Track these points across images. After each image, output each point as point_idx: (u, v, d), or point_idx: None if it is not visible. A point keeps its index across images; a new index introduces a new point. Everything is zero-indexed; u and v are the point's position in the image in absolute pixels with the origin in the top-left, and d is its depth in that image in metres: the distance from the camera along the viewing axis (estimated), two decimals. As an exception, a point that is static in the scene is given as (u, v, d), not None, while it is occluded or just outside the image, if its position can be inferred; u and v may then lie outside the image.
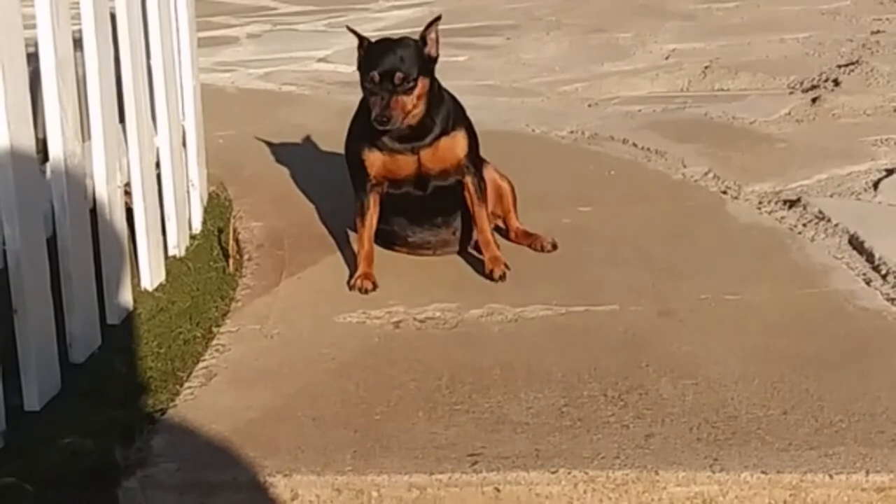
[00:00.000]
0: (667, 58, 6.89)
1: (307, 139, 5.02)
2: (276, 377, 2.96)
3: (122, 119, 3.54)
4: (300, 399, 2.83)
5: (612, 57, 6.99)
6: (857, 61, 6.30)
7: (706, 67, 6.43)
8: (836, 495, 2.43)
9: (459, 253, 3.74)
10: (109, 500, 2.48)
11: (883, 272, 3.47)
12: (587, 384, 2.86)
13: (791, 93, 5.91)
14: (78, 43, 3.18)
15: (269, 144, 5.05)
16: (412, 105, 3.40)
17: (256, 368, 3.02)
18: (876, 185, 4.31)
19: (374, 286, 3.48)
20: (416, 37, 3.49)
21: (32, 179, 2.86)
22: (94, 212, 3.31)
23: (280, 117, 5.72)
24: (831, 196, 4.24)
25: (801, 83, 6.03)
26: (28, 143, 2.81)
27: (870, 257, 3.58)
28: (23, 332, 2.84)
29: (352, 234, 3.83)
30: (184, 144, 4.10)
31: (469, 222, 3.66)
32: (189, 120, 4.19)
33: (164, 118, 3.85)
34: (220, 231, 4.03)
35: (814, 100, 5.63)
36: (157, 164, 3.83)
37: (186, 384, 2.94)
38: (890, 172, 4.42)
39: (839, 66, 6.26)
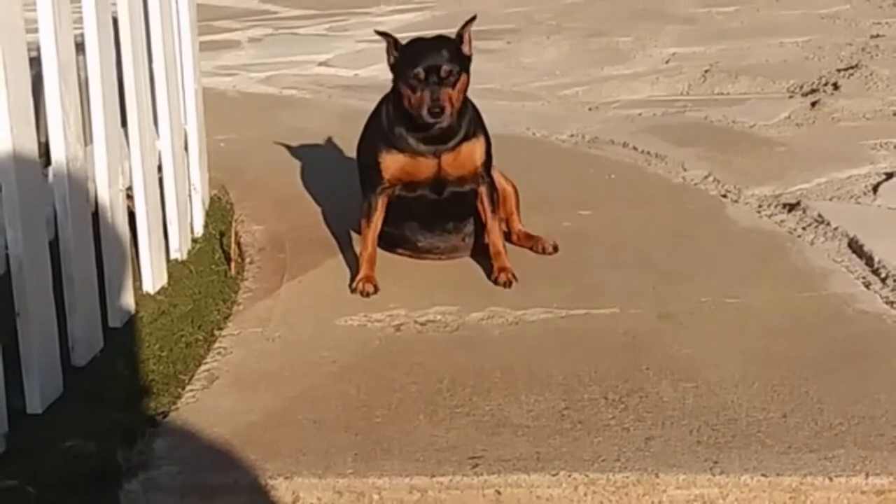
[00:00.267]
0: (667, 62, 6.90)
1: (308, 143, 5.02)
2: (278, 380, 2.97)
3: (124, 123, 3.54)
4: (301, 402, 2.84)
5: (612, 61, 7.00)
6: (856, 65, 6.31)
7: (706, 71, 6.44)
8: (835, 498, 2.44)
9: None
10: (111, 503, 2.49)
11: (882, 275, 3.48)
12: (588, 387, 2.86)
13: (791, 97, 5.91)
14: (80, 47, 3.19)
15: (271, 148, 5.06)
16: (456, 99, 3.41)
17: (258, 371, 3.03)
18: (875, 188, 4.32)
19: (376, 289, 3.48)
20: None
21: (35, 183, 2.87)
22: (96, 215, 3.31)
23: (281, 121, 5.73)
24: (831, 199, 4.25)
25: (801, 87, 6.04)
26: (30, 146, 2.82)
27: (869, 261, 3.59)
28: (25, 334, 2.85)
29: (354, 237, 3.84)
30: (185, 148, 4.11)
31: (479, 229, 3.67)
32: (191, 123, 4.19)
33: (165, 122, 3.86)
34: (222, 234, 4.04)
35: (813, 104, 5.64)
36: (159, 168, 3.84)
37: (188, 387, 2.94)
38: (889, 176, 4.43)
39: (839, 70, 6.27)
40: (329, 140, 5.05)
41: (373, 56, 7.42)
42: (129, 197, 3.60)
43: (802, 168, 4.61)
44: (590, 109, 5.90)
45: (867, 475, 2.44)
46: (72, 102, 3.07)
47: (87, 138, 3.30)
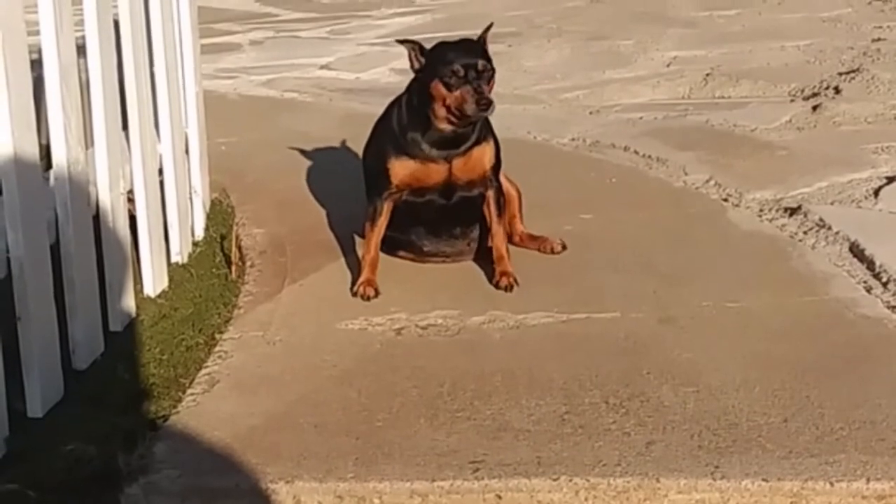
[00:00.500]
0: (668, 65, 6.89)
1: (309, 146, 5.02)
2: (278, 384, 2.97)
3: (125, 126, 3.54)
4: (302, 406, 2.84)
5: (613, 64, 6.99)
6: (857, 69, 6.31)
7: (707, 75, 6.43)
8: (836, 503, 2.43)
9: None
10: (111, 507, 2.50)
11: (884, 280, 3.48)
12: (588, 391, 2.86)
13: (792, 100, 5.91)
14: (81, 49, 3.19)
15: (272, 151, 5.06)
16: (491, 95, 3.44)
17: (258, 375, 3.03)
18: (876, 192, 4.32)
19: (377, 293, 3.49)
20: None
21: (36, 186, 2.87)
22: (97, 218, 3.31)
23: (282, 124, 5.72)
24: (832, 204, 4.24)
25: (802, 91, 6.03)
26: (32, 149, 2.82)
27: (870, 265, 3.58)
28: (26, 338, 2.85)
29: (356, 241, 3.84)
30: (186, 151, 4.11)
31: (483, 232, 3.67)
32: (192, 127, 4.19)
33: (166, 125, 3.86)
34: (223, 238, 4.03)
35: (815, 107, 5.63)
36: (160, 171, 3.84)
37: (189, 391, 2.94)
38: (890, 180, 4.43)
39: (840, 74, 6.27)
40: (330, 143, 5.04)
41: (374, 59, 7.44)
42: (130, 200, 3.60)
43: (804, 172, 4.61)
44: (591, 113, 5.90)
45: (868, 480, 2.44)
46: (73, 105, 3.07)
47: (89, 141, 3.30)
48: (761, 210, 4.21)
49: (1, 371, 2.70)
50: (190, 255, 3.96)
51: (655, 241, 3.90)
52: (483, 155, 3.55)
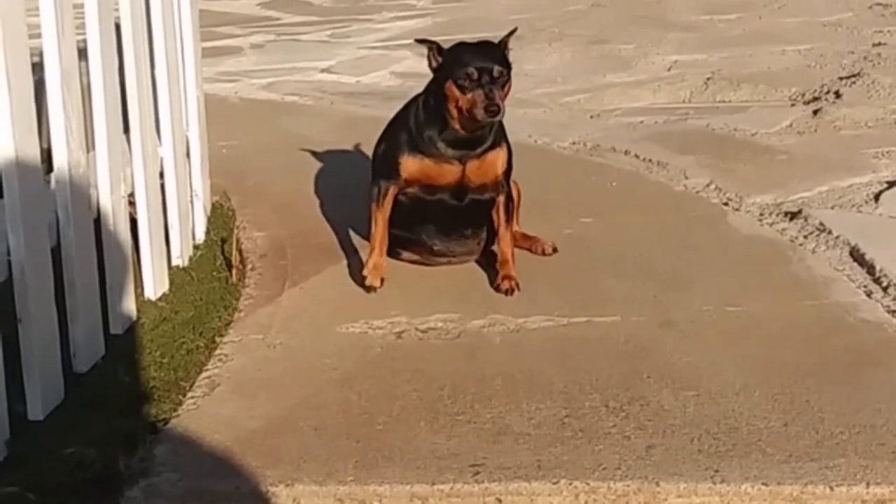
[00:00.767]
0: (669, 69, 6.90)
1: (310, 149, 5.02)
2: (279, 387, 2.97)
3: (126, 129, 3.55)
4: (302, 409, 2.84)
5: (614, 68, 7.00)
6: (858, 73, 6.31)
7: (708, 79, 6.44)
8: (836, 507, 2.44)
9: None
10: (112, 509, 2.50)
11: (884, 284, 3.48)
12: (588, 395, 2.86)
13: (793, 105, 5.92)
14: (83, 53, 3.19)
15: (273, 154, 5.06)
16: (505, 101, 3.43)
17: (259, 378, 3.03)
18: (877, 197, 4.32)
19: (382, 283, 3.50)
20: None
21: (37, 189, 2.87)
22: (98, 221, 3.31)
23: (283, 127, 5.73)
24: (832, 208, 4.25)
25: (803, 95, 6.04)
26: (33, 152, 2.82)
27: (871, 269, 3.59)
28: (26, 341, 2.85)
29: (357, 244, 3.85)
30: (187, 154, 4.11)
31: (490, 235, 3.68)
32: (193, 130, 4.20)
33: (167, 128, 3.86)
34: (224, 241, 4.04)
35: (815, 112, 5.64)
36: (161, 174, 3.84)
37: (189, 394, 2.94)
38: (891, 185, 4.43)
39: (841, 79, 6.27)
40: (331, 147, 5.05)
41: (375, 63, 7.45)
42: (131, 203, 3.60)
43: (804, 176, 4.61)
44: (591, 117, 5.90)
45: (868, 484, 2.44)
46: (74, 108, 3.07)
47: (90, 144, 3.30)
48: (762, 214, 4.21)
49: (1, 373, 2.70)
50: (190, 259, 3.96)
51: (656, 245, 3.90)
52: (497, 159, 3.55)
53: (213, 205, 4.41)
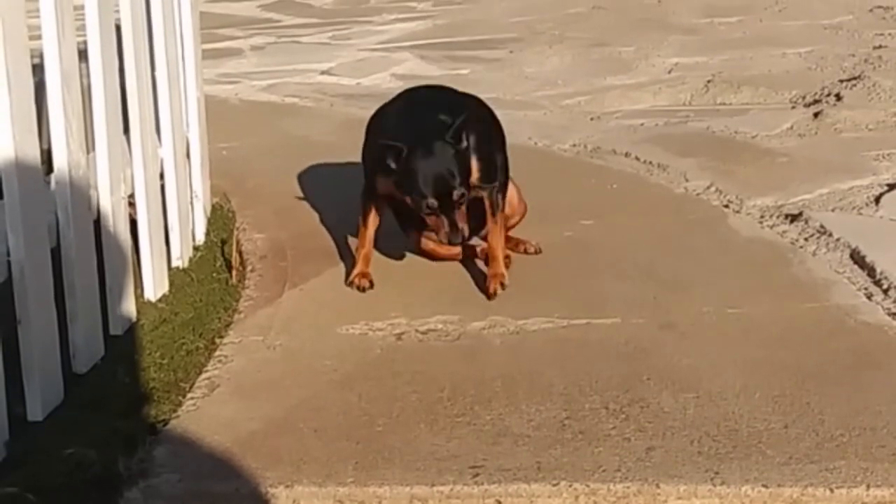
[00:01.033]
0: (669, 72, 6.90)
1: (310, 151, 5.03)
2: (279, 388, 2.97)
3: (126, 130, 3.55)
4: (302, 410, 2.84)
5: (614, 70, 7.00)
6: (859, 76, 6.31)
7: (708, 81, 6.44)
8: (836, 509, 2.43)
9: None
10: (111, 511, 2.49)
11: (884, 287, 3.47)
12: (588, 397, 2.86)
13: (793, 107, 5.91)
14: (83, 54, 3.19)
15: (273, 156, 5.06)
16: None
17: (259, 379, 3.03)
18: (877, 199, 4.32)
19: (371, 284, 3.59)
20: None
21: (37, 190, 2.87)
22: (97, 223, 3.31)
23: (283, 129, 5.73)
24: (833, 210, 4.24)
25: (804, 98, 6.04)
26: (33, 153, 2.82)
27: (871, 272, 3.58)
28: (26, 342, 2.85)
29: (355, 245, 3.84)
30: (187, 156, 4.11)
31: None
32: (193, 131, 4.20)
33: (168, 129, 3.87)
34: (224, 242, 4.04)
35: (816, 114, 5.64)
36: (161, 176, 3.84)
37: (189, 395, 2.94)
38: (892, 187, 4.43)
39: (841, 81, 6.27)
40: (331, 148, 5.05)
41: (375, 65, 7.45)
42: (131, 204, 3.60)
43: (804, 179, 4.61)
44: (592, 119, 5.90)
45: (868, 486, 2.44)
46: (74, 110, 3.07)
47: (90, 145, 3.30)
48: (762, 216, 4.21)
49: (1, 374, 2.70)
50: (190, 260, 3.96)
51: (656, 248, 3.90)
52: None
53: (213, 206, 4.41)
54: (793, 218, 4.14)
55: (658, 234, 4.04)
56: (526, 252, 3.81)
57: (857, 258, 3.70)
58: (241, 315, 3.45)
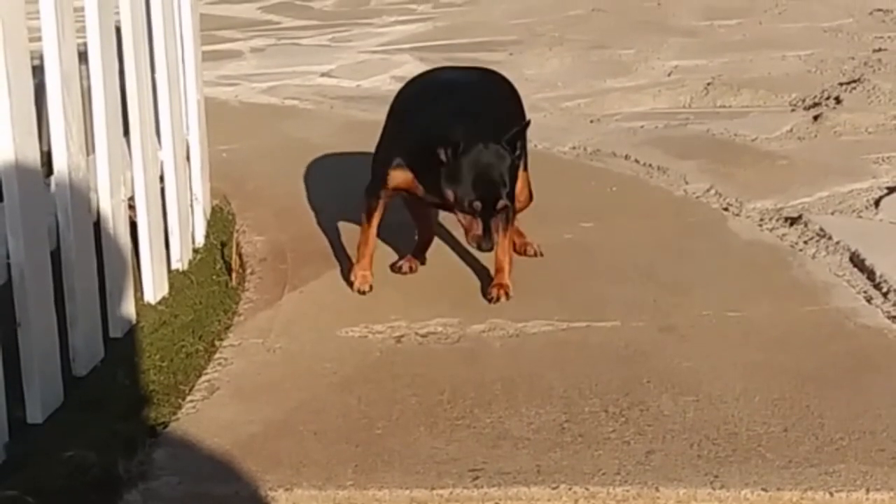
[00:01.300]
0: (669, 74, 6.90)
1: (310, 153, 5.02)
2: (278, 391, 2.97)
3: (126, 132, 3.55)
4: (302, 413, 2.84)
5: (614, 73, 7.00)
6: (858, 79, 6.31)
7: (708, 84, 6.44)
8: (836, 513, 2.43)
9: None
10: (111, 513, 2.49)
11: (884, 290, 3.48)
12: (588, 400, 2.86)
13: (793, 110, 5.92)
14: (83, 56, 3.19)
15: (273, 158, 5.06)
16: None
17: (258, 382, 3.03)
18: (877, 202, 4.32)
19: (371, 288, 3.56)
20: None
21: (37, 192, 2.87)
22: (97, 225, 3.31)
23: (283, 131, 5.73)
24: (833, 213, 4.25)
25: (803, 100, 6.04)
26: (33, 156, 2.82)
27: (871, 275, 3.58)
28: (26, 344, 2.84)
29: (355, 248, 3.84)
30: (187, 158, 4.11)
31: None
32: (193, 134, 4.20)
33: (167, 132, 3.86)
34: (223, 245, 4.04)
35: (816, 117, 5.64)
36: (161, 178, 3.84)
37: (188, 397, 2.94)
38: (891, 190, 4.43)
39: (841, 84, 6.27)
40: (331, 151, 5.05)
41: (375, 67, 7.45)
42: (131, 207, 3.60)
43: (804, 182, 4.61)
44: (592, 121, 5.91)
45: (868, 490, 2.44)
46: (74, 112, 3.07)
47: (90, 148, 3.30)
48: (762, 219, 4.21)
49: (1, 377, 2.70)
50: (190, 262, 3.96)
51: (656, 250, 3.90)
52: None
53: (213, 208, 4.41)
54: (792, 221, 4.14)
55: (658, 237, 4.04)
56: (526, 254, 3.80)
57: (857, 261, 3.70)
58: (241, 317, 3.45)
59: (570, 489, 2.47)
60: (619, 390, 2.90)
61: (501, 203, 3.29)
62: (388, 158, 3.51)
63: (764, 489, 2.45)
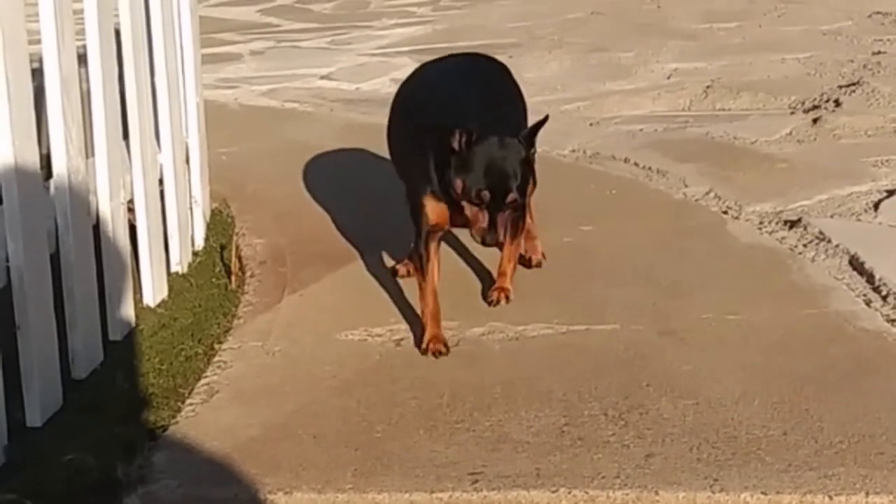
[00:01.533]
0: (668, 77, 6.90)
1: (310, 156, 5.02)
2: (278, 394, 2.97)
3: (125, 136, 3.55)
4: (301, 416, 2.84)
5: (613, 76, 7.00)
6: (858, 82, 6.31)
7: (708, 87, 6.43)
8: (835, 516, 2.43)
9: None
10: (110, 517, 2.49)
11: (883, 293, 3.47)
12: (588, 403, 2.86)
13: (792, 113, 5.91)
14: (82, 59, 3.19)
15: (272, 161, 5.06)
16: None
17: (258, 385, 3.03)
18: (876, 205, 4.32)
19: (447, 348, 3.21)
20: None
21: (36, 196, 2.87)
22: (97, 228, 3.31)
23: (283, 134, 5.73)
24: (832, 217, 4.24)
25: (803, 103, 6.03)
26: (32, 159, 2.82)
27: (870, 278, 3.58)
28: (25, 347, 2.85)
29: (355, 251, 3.85)
30: (187, 161, 4.11)
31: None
32: (192, 136, 4.20)
33: (167, 135, 3.86)
34: (223, 248, 4.04)
35: (815, 120, 5.63)
36: (161, 181, 3.84)
37: (188, 401, 2.94)
38: (890, 193, 4.43)
39: (840, 87, 6.27)
40: (330, 154, 5.05)
41: (375, 70, 7.44)
42: (131, 210, 3.60)
43: (804, 185, 4.61)
44: (591, 124, 5.90)
45: (867, 493, 2.44)
46: (74, 115, 3.07)
47: (89, 151, 3.30)
48: (761, 222, 4.21)
49: (0, 380, 2.70)
50: (190, 265, 3.96)
51: (655, 253, 3.90)
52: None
53: (212, 211, 4.41)
54: (792, 224, 4.14)
55: (657, 240, 4.04)
56: (530, 264, 3.75)
57: (856, 264, 3.70)
58: (241, 321, 3.45)
59: (569, 493, 2.48)
60: (619, 393, 2.90)
61: (511, 196, 3.10)
62: (421, 190, 3.30)
63: (763, 492, 2.45)
